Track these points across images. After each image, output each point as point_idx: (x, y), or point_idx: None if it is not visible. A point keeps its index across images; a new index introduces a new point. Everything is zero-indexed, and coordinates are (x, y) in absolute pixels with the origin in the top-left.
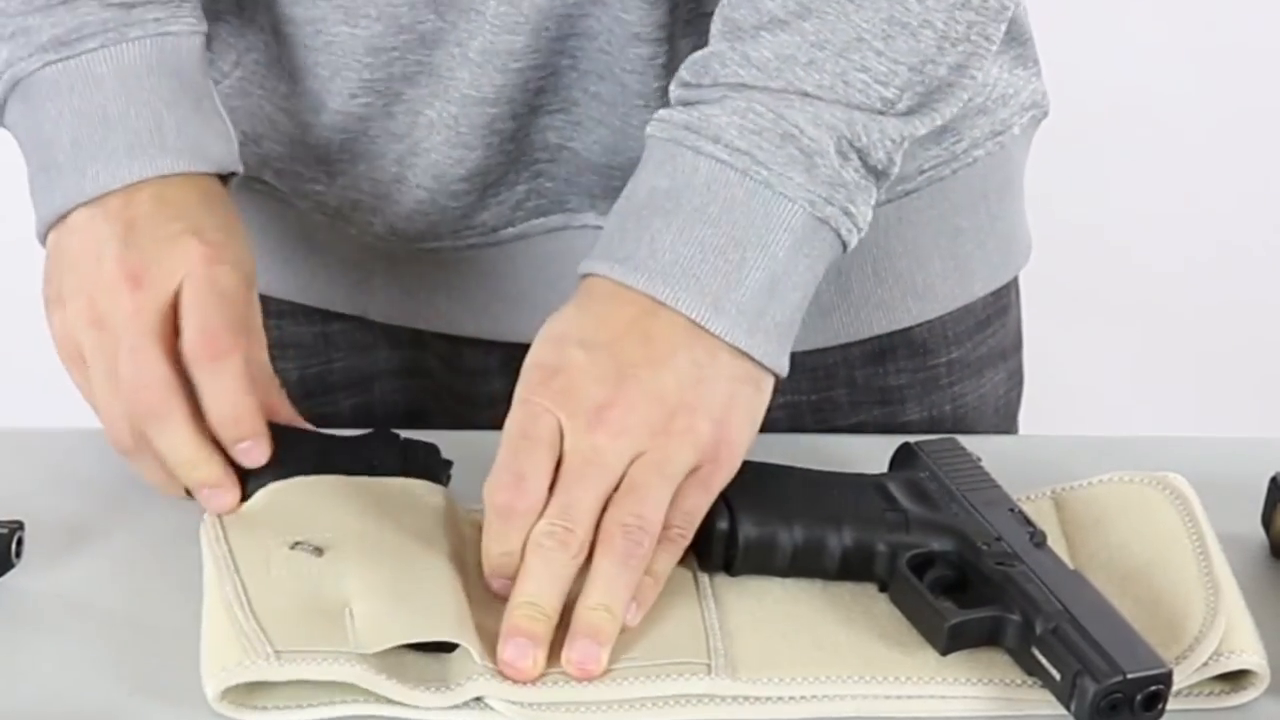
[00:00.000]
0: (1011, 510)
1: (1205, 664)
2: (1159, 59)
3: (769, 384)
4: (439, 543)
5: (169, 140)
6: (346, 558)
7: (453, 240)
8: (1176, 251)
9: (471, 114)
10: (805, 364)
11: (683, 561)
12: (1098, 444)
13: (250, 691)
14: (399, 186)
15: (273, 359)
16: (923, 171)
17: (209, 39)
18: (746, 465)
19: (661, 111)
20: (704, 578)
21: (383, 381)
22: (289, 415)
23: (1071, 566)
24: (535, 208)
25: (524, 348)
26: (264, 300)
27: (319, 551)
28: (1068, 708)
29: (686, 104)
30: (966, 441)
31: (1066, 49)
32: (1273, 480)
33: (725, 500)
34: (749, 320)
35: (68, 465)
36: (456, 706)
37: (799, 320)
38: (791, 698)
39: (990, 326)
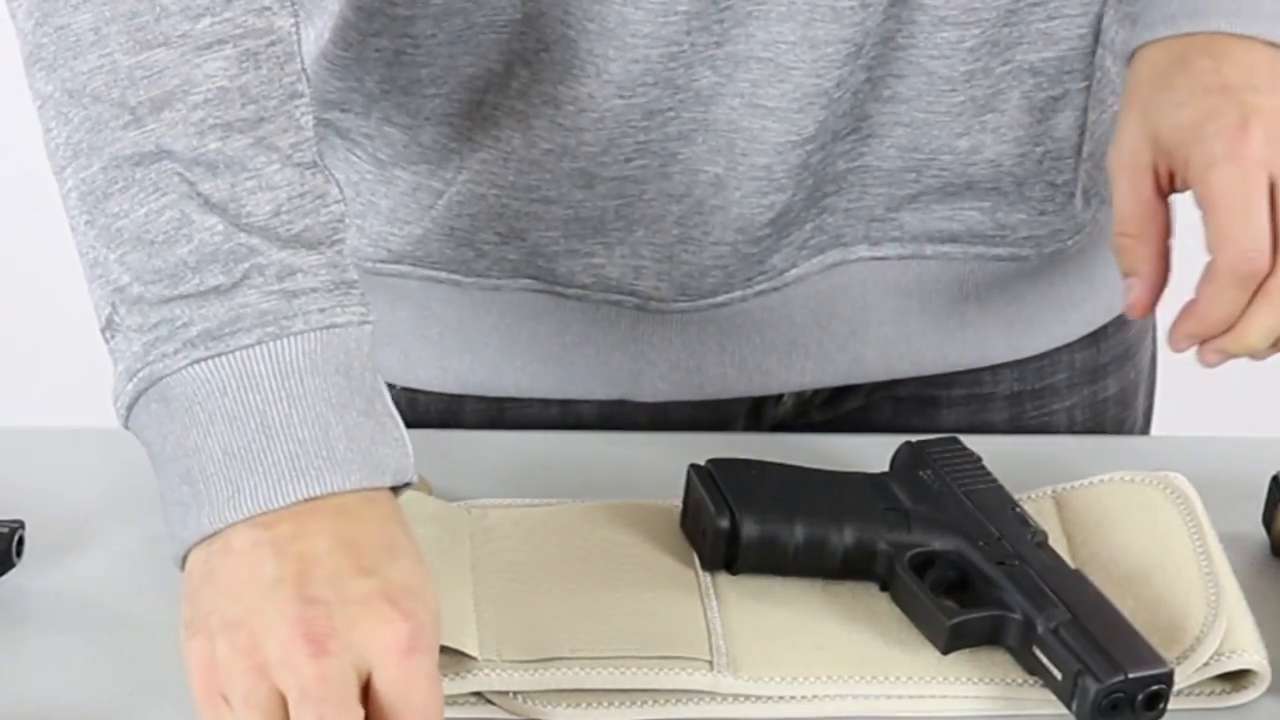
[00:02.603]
0: (1012, 509)
1: (1206, 663)
2: None
3: None
4: (436, 548)
5: (338, 451)
6: None
7: (743, 290)
8: (1177, 249)
9: (790, 158)
10: (1032, 355)
11: (684, 560)
12: (1098, 444)
13: None
14: (686, 247)
15: None
16: None
17: (430, 152)
18: (747, 464)
19: None
20: (705, 576)
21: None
22: None
23: (1072, 566)
24: (817, 245)
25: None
26: (500, 406)
27: None
28: (1069, 707)
29: None
30: (967, 441)
31: None
32: (1273, 480)
33: (726, 499)
34: None
35: (68, 465)
36: (454, 699)
37: None
38: (793, 696)
39: None
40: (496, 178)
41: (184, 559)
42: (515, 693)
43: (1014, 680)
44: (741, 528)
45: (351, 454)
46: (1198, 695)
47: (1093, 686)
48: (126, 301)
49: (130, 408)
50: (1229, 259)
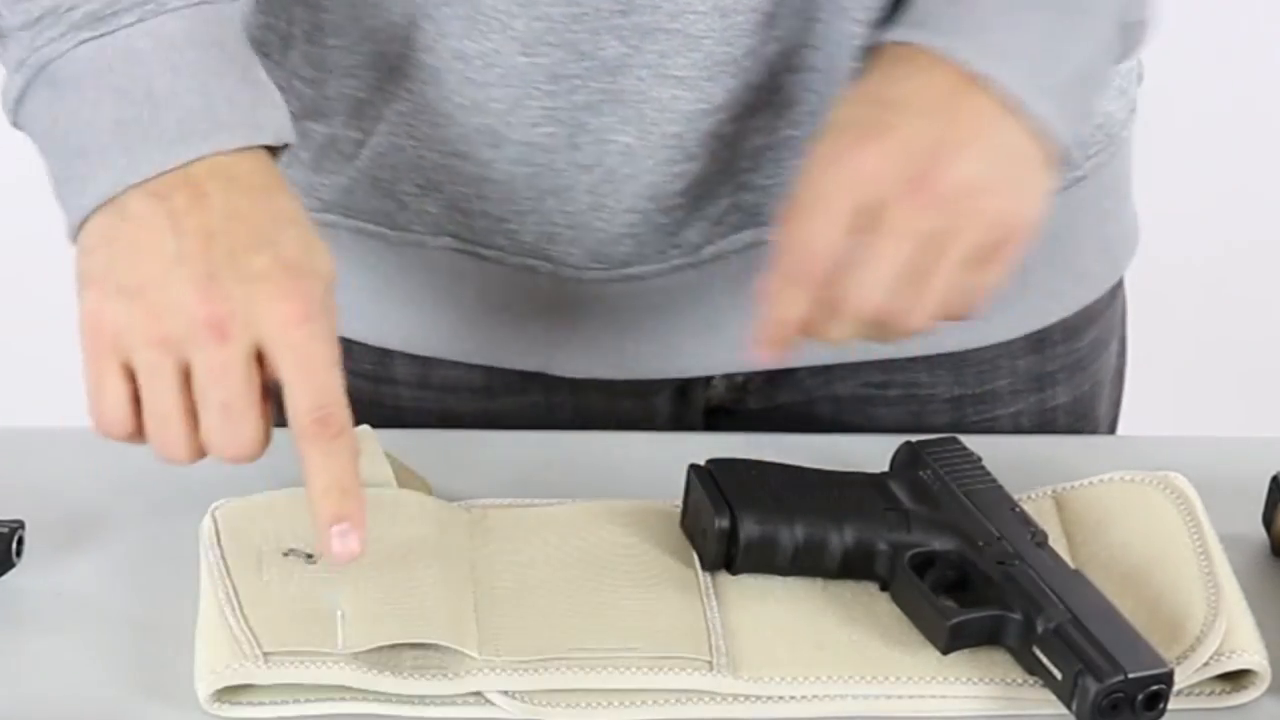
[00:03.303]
0: (1012, 509)
1: (1206, 663)
2: (1156, 57)
3: (1054, 182)
4: (435, 548)
5: (222, 114)
6: (338, 564)
7: (657, 263)
8: (1177, 249)
9: (701, 126)
10: (970, 358)
11: (684, 560)
12: (1098, 444)
13: (245, 688)
14: (598, 214)
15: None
16: (1090, 158)
17: (346, 101)
18: (747, 464)
19: None
20: (705, 576)
21: None
22: None
23: (1072, 566)
24: (734, 222)
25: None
26: (426, 365)
27: (311, 559)
28: (1069, 707)
29: None
30: (967, 441)
31: None
32: (1273, 480)
33: (726, 499)
34: (1059, 108)
35: (68, 465)
36: (453, 698)
37: (1082, 129)
38: (792, 697)
39: (1114, 299)
40: (413, 129)
41: (78, 232)
42: (515, 692)
43: (1014, 680)
44: (741, 527)
45: (233, 116)
46: (1198, 695)
47: (1093, 686)
48: (9, 2)
49: (19, 100)
50: (786, 262)
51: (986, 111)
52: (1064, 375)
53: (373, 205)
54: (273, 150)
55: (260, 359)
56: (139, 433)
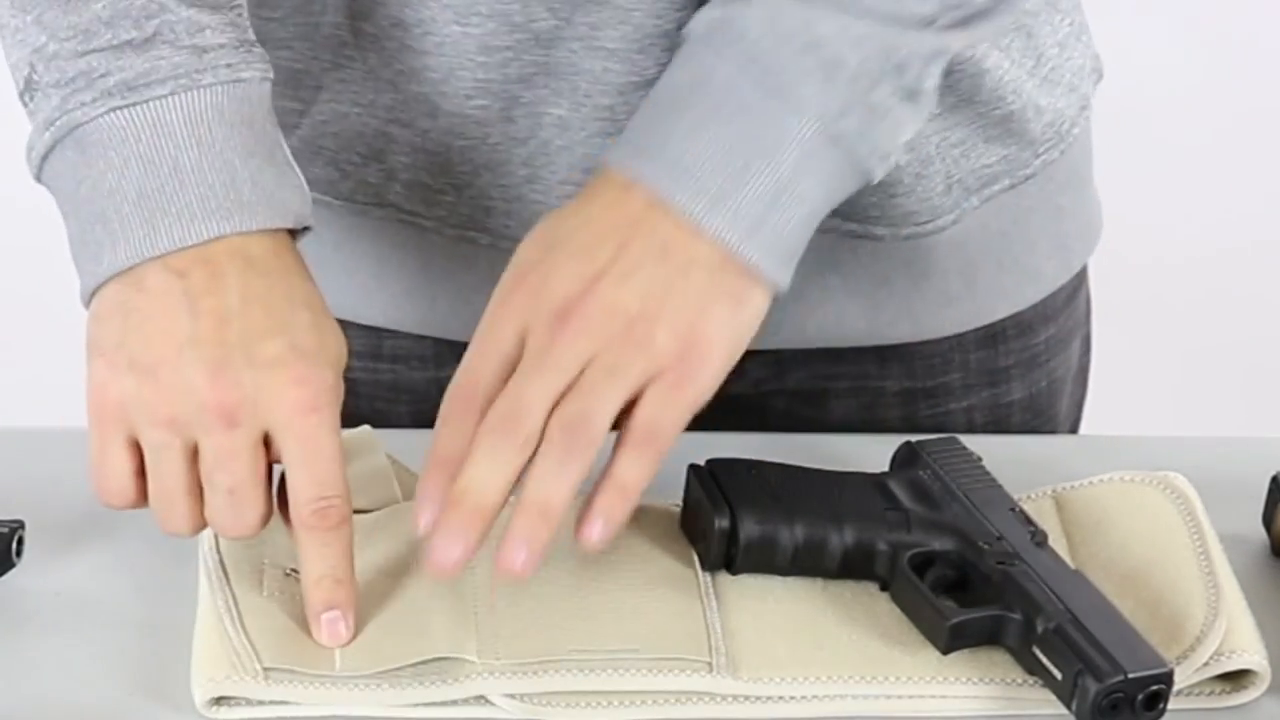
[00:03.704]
0: (1012, 510)
1: (1206, 663)
2: (1153, 55)
3: (761, 298)
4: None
5: (244, 194)
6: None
7: None
8: (1177, 249)
9: (632, 99)
10: (921, 351)
11: (684, 560)
12: (1098, 444)
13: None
14: (534, 186)
15: (387, 403)
16: (1038, 155)
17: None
18: (747, 464)
19: (701, 9)
20: (705, 576)
21: None
22: None
23: (1072, 566)
24: None
25: None
26: (378, 335)
27: None
28: (1069, 707)
29: (723, 2)
30: (967, 441)
31: None
32: (1273, 480)
33: (726, 498)
34: (746, 224)
35: (68, 465)
36: (456, 702)
37: (804, 240)
38: (792, 697)
39: (1075, 297)
40: (357, 96)
41: (91, 297)
42: (514, 694)
43: (1014, 680)
44: (741, 527)
45: (256, 197)
46: (1198, 695)
47: (1093, 686)
48: (44, 59)
49: (45, 157)
50: (448, 394)
51: (665, 237)
52: (1018, 371)
53: (316, 174)
54: (294, 232)
55: (267, 441)
56: (141, 502)
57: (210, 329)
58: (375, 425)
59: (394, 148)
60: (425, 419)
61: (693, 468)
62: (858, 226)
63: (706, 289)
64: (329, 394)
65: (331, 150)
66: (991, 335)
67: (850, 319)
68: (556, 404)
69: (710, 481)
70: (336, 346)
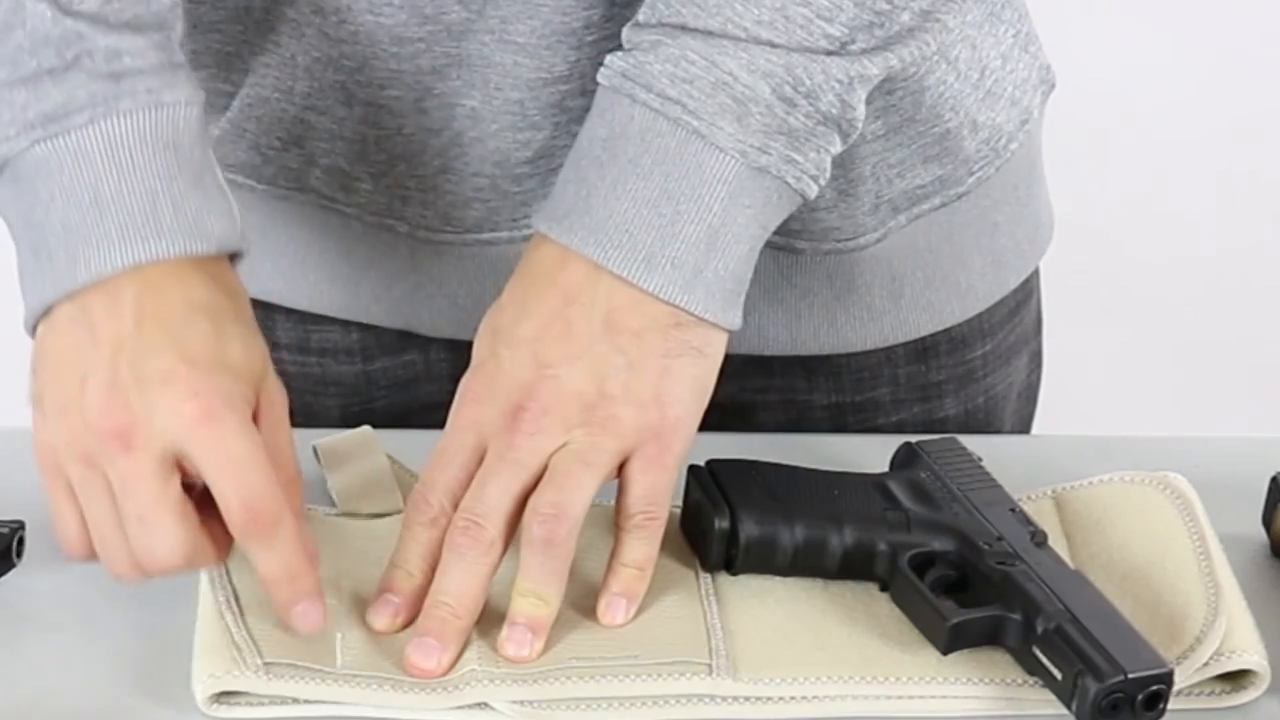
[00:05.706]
0: (1012, 510)
1: (1206, 664)
2: (1150, 54)
3: (716, 343)
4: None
5: (165, 219)
6: (340, 590)
7: (510, 230)
8: (1176, 249)
9: (542, 95)
10: (850, 365)
11: (684, 561)
12: (1098, 444)
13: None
14: (448, 177)
15: (315, 396)
16: (972, 173)
17: (228, 55)
18: (747, 464)
19: (608, 57)
20: (705, 577)
21: (423, 415)
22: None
23: (1072, 566)
24: None
25: None
26: (304, 320)
27: None
28: (1069, 707)
29: (629, 49)
30: (967, 441)
31: (1061, 45)
32: (1273, 480)
33: (726, 499)
34: (686, 275)
35: None
36: (457, 708)
37: (748, 273)
38: (793, 698)
39: (1018, 314)
40: (279, 82)
41: (33, 335)
42: (518, 700)
43: (1014, 680)
44: (741, 528)
45: (177, 222)
46: (1198, 695)
47: (1093, 686)
48: None
49: None
50: (408, 503)
51: (608, 307)
52: (952, 386)
53: (240, 158)
54: (233, 258)
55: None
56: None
57: (106, 357)
58: (304, 419)
59: (312, 134)
60: (353, 414)
61: (692, 468)
62: (779, 239)
63: (663, 350)
64: (227, 401)
65: (254, 134)
66: (922, 350)
67: (772, 329)
68: (525, 499)
69: (710, 482)
70: (243, 351)
